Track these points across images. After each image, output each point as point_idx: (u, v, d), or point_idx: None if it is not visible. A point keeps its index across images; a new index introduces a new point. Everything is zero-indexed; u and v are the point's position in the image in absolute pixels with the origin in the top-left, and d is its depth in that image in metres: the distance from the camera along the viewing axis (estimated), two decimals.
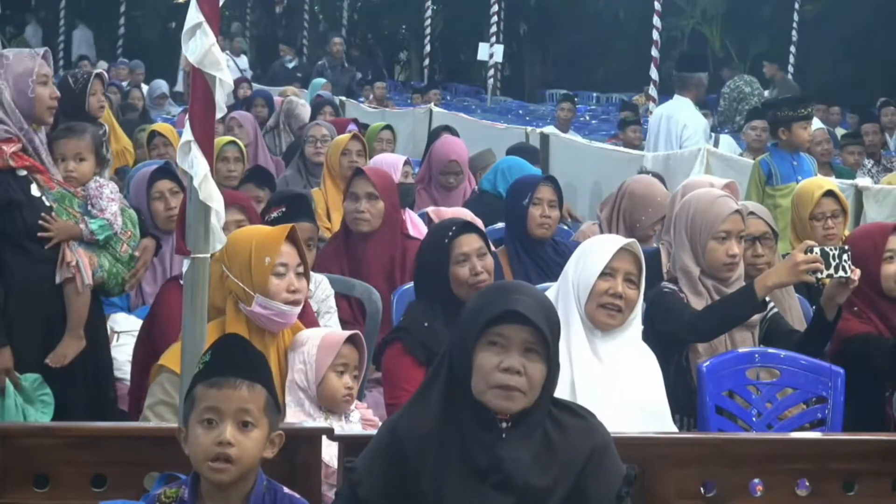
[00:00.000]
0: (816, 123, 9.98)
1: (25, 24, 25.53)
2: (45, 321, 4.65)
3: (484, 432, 3.09)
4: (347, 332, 4.10)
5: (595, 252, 4.12)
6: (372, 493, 3.12)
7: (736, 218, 4.73)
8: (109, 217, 4.73)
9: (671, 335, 4.57)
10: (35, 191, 4.63)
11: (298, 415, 3.94)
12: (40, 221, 4.60)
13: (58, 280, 4.65)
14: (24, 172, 4.61)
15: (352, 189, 5.76)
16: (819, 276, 4.48)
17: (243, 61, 20.44)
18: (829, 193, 5.98)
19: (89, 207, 4.74)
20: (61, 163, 4.81)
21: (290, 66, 18.86)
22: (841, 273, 4.47)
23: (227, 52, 20.21)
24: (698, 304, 4.65)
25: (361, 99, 17.32)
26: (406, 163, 7.38)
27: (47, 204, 4.64)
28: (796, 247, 5.94)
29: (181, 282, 3.68)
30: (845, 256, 4.47)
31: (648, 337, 4.46)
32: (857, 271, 4.50)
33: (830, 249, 4.49)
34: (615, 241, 4.15)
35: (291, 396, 3.97)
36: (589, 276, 4.06)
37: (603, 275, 4.06)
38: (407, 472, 3.11)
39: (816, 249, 4.49)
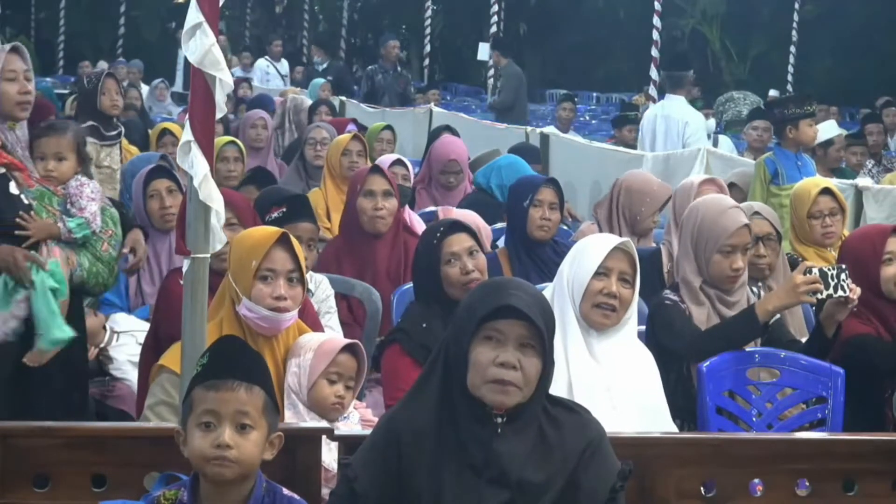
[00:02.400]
0: (835, 129, 9.95)
1: (28, 25, 25.55)
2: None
3: (479, 427, 3.10)
4: (346, 341, 4.05)
5: (589, 252, 4.12)
6: (368, 488, 3.13)
7: (744, 232, 4.69)
8: (88, 216, 4.69)
9: (673, 352, 4.56)
10: (13, 189, 4.61)
11: (292, 418, 3.91)
12: (17, 220, 4.57)
13: None
14: (2, 170, 4.60)
15: (368, 187, 5.73)
16: (819, 296, 4.48)
17: (284, 66, 19.54)
18: (827, 191, 5.98)
19: (68, 206, 4.72)
20: (41, 161, 4.78)
21: (321, 68, 18.11)
22: (840, 293, 4.48)
23: (267, 57, 19.49)
24: (700, 314, 4.64)
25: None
26: (400, 163, 7.34)
27: (26, 202, 4.62)
28: (796, 247, 5.97)
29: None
30: (843, 276, 4.48)
31: (650, 346, 4.48)
32: (857, 290, 4.50)
33: (829, 269, 4.50)
34: (609, 241, 4.15)
35: (287, 399, 3.95)
36: (583, 275, 4.06)
37: (597, 274, 4.05)
38: (403, 466, 3.12)
39: (815, 270, 4.49)
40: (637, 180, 6.18)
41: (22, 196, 4.62)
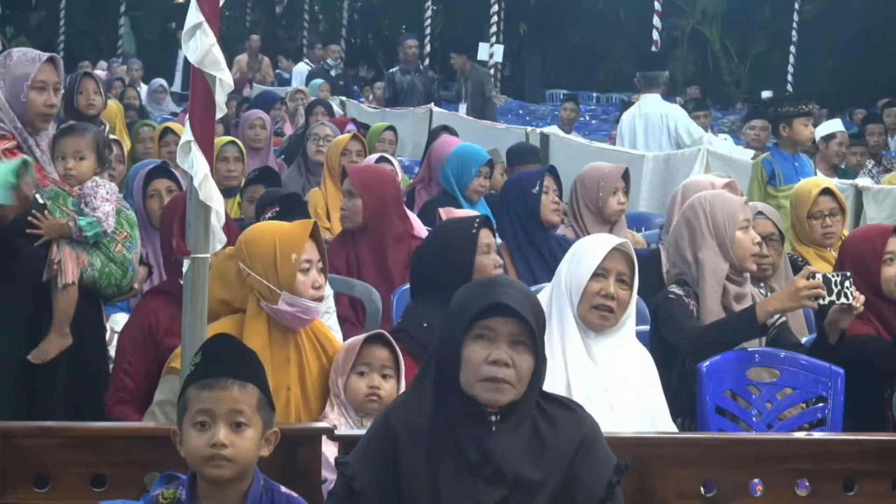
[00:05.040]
0: (839, 125, 9.99)
1: (28, 25, 25.53)
2: (29, 317, 4.65)
3: (474, 426, 3.11)
4: (368, 334, 4.06)
5: (587, 253, 4.12)
6: (366, 486, 3.13)
7: (747, 207, 4.83)
8: (100, 215, 4.72)
9: (673, 347, 4.57)
10: None
11: (338, 418, 3.92)
12: (30, 218, 4.60)
13: (44, 277, 4.66)
14: None
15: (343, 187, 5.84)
16: (821, 302, 4.47)
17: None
18: (827, 192, 5.98)
19: (83, 206, 4.75)
20: (61, 161, 4.81)
21: (334, 72, 17.57)
22: (843, 300, 4.47)
23: (329, 59, 19.05)
24: (714, 303, 4.65)
25: (362, 99, 17.24)
26: (384, 160, 7.30)
27: (41, 201, 4.65)
28: (796, 247, 5.97)
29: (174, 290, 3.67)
30: (847, 283, 4.47)
31: (653, 341, 4.47)
32: (861, 297, 4.49)
33: (833, 276, 4.48)
34: (607, 242, 4.14)
35: (330, 402, 3.98)
36: (581, 276, 4.06)
37: (595, 276, 4.05)
38: (399, 464, 3.13)
39: (819, 275, 4.48)
40: (587, 171, 6.29)
41: (37, 196, 4.65)
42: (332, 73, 17.71)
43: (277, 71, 20.04)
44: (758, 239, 4.77)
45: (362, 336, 4.07)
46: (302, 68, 19.00)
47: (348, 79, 17.88)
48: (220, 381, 3.10)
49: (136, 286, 4.99)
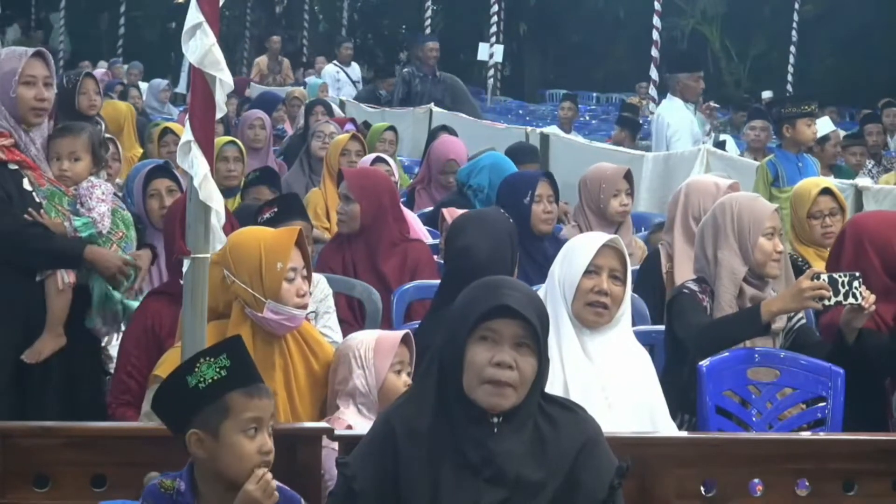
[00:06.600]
0: (830, 125, 10.00)
1: (28, 25, 25.54)
2: (24, 317, 4.65)
3: (476, 428, 3.11)
4: (401, 332, 4.05)
5: (579, 250, 4.13)
6: (366, 486, 3.13)
7: (776, 215, 4.82)
8: (95, 216, 4.71)
9: (682, 342, 4.58)
10: (26, 185, 4.65)
11: (357, 417, 3.88)
12: (25, 216, 4.60)
13: (38, 278, 4.65)
14: (15, 166, 4.64)
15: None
16: (826, 303, 4.46)
17: (355, 71, 18.17)
18: (827, 191, 5.98)
19: (78, 206, 4.74)
20: (56, 161, 4.80)
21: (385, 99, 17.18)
22: (851, 300, 4.45)
23: (335, 62, 18.10)
24: (728, 303, 4.66)
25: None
26: (381, 161, 7.29)
27: (37, 200, 4.65)
28: (796, 247, 5.97)
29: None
30: (857, 283, 4.45)
31: (667, 336, 4.46)
32: (872, 297, 4.48)
33: (840, 276, 4.46)
34: (598, 239, 4.15)
35: (346, 401, 3.92)
36: (574, 274, 4.06)
37: (587, 273, 4.06)
38: (399, 465, 3.12)
39: (824, 276, 4.47)
40: (591, 172, 6.30)
41: (34, 193, 4.65)
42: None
43: (308, 78, 19.24)
44: (780, 248, 4.76)
45: (398, 333, 4.04)
46: (331, 70, 17.91)
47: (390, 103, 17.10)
48: (263, 389, 3.17)
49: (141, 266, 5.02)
